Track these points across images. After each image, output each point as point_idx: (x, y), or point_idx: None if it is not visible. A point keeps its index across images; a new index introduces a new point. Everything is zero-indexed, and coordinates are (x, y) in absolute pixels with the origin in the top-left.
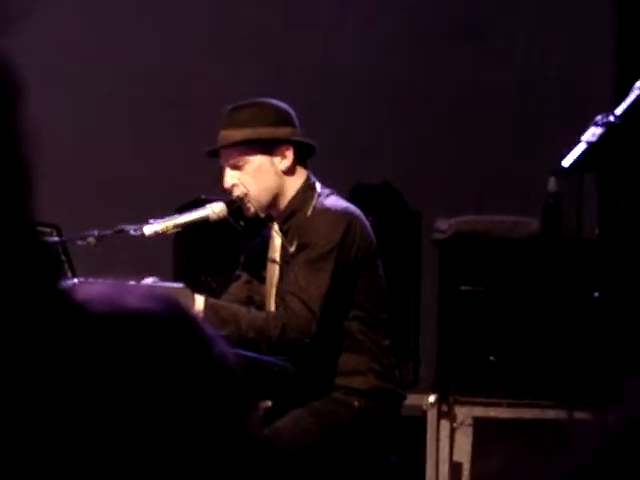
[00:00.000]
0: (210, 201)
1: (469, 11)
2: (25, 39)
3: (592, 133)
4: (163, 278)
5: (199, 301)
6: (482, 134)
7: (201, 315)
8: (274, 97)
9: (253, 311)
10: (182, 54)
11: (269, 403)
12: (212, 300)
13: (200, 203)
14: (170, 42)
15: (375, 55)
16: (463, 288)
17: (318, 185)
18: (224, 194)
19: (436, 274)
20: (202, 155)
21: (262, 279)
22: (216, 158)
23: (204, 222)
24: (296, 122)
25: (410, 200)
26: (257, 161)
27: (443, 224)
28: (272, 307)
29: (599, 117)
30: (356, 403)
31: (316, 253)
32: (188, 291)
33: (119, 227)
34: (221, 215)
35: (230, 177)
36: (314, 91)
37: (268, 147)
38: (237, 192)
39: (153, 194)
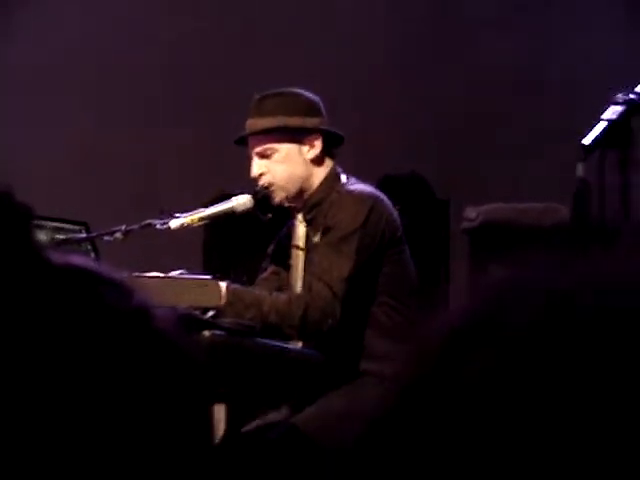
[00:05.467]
0: (235, 195)
1: None
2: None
3: (612, 111)
4: (192, 272)
5: (222, 287)
6: (509, 122)
7: (224, 302)
8: (299, 87)
9: (275, 294)
10: (207, 45)
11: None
12: (234, 286)
13: (226, 197)
14: (195, 34)
15: (402, 43)
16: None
17: (344, 176)
18: (249, 189)
19: (465, 262)
20: (228, 149)
21: (288, 267)
22: (242, 152)
23: (230, 214)
24: (324, 112)
25: (438, 189)
26: (285, 149)
27: (472, 212)
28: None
29: (620, 95)
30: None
31: (339, 235)
32: (215, 283)
33: (146, 222)
34: (247, 207)
35: (258, 166)
36: (340, 80)
37: (297, 136)
38: (264, 181)
39: (180, 190)
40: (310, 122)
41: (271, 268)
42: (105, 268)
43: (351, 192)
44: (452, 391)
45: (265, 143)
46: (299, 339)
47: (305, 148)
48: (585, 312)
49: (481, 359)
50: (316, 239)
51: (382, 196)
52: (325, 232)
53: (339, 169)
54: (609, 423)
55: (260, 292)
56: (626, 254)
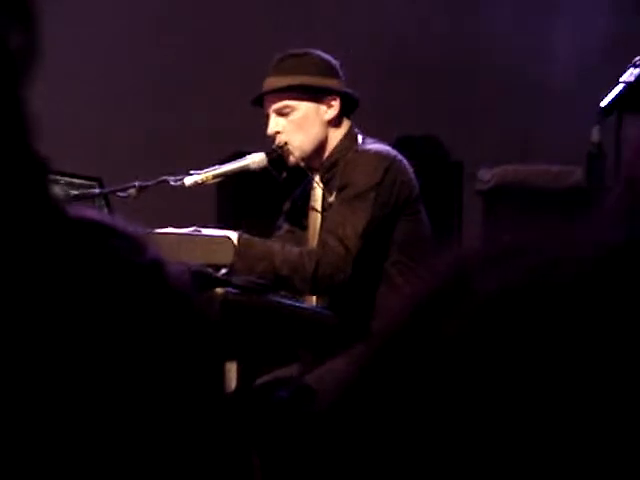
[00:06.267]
0: (250, 153)
1: None
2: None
3: (630, 73)
4: (205, 226)
5: (233, 236)
6: (523, 84)
7: (236, 256)
8: (317, 48)
9: (287, 248)
10: (216, 5)
11: (306, 350)
12: (246, 236)
13: (240, 155)
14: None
15: (419, 9)
16: (506, 238)
17: (360, 137)
18: (264, 147)
19: (479, 224)
20: (244, 107)
21: (304, 228)
22: (259, 111)
23: (244, 172)
24: (341, 74)
25: (452, 151)
26: (304, 108)
27: (486, 174)
28: None
29: (638, 58)
30: None
31: (354, 192)
32: (226, 239)
33: (160, 178)
34: (261, 165)
35: (275, 124)
36: (357, 44)
37: (315, 95)
38: (280, 139)
39: (195, 147)
40: (328, 82)
41: (286, 226)
42: (119, 222)
43: (368, 151)
44: (430, 348)
45: (284, 100)
46: (310, 293)
47: (323, 108)
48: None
49: (457, 319)
50: (332, 199)
51: (399, 156)
52: (340, 189)
53: (356, 130)
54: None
55: (272, 243)
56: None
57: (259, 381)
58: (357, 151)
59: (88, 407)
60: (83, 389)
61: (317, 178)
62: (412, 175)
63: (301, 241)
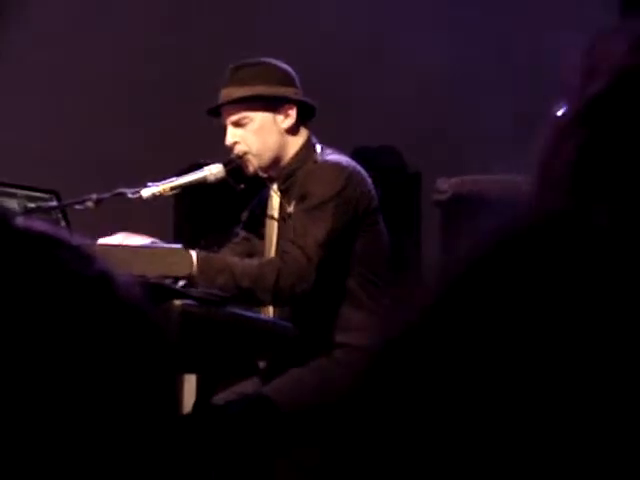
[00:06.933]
0: (208, 165)
1: None
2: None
3: None
4: (162, 240)
5: (192, 255)
6: (482, 94)
7: (195, 269)
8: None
9: (247, 260)
10: (180, 21)
11: (265, 363)
12: (204, 253)
13: (198, 167)
14: (170, 8)
15: (378, 19)
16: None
17: (319, 146)
18: (223, 158)
19: (437, 236)
20: (201, 120)
21: (261, 236)
22: (216, 122)
23: (202, 184)
24: (298, 83)
25: (410, 161)
26: (260, 118)
27: (443, 184)
28: None
29: None
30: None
31: (314, 202)
32: (186, 252)
33: (117, 190)
34: (219, 176)
35: (232, 135)
36: (312, 52)
37: (271, 105)
38: (238, 150)
39: (152, 161)
40: (285, 92)
41: (243, 234)
42: (67, 234)
43: (327, 162)
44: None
45: (240, 112)
46: (273, 304)
47: (280, 117)
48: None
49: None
50: (290, 209)
51: (358, 167)
52: (300, 200)
53: (314, 139)
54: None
55: (231, 258)
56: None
57: (218, 396)
58: (316, 162)
59: (30, 425)
60: (26, 404)
61: (275, 187)
62: (371, 186)
63: (257, 249)
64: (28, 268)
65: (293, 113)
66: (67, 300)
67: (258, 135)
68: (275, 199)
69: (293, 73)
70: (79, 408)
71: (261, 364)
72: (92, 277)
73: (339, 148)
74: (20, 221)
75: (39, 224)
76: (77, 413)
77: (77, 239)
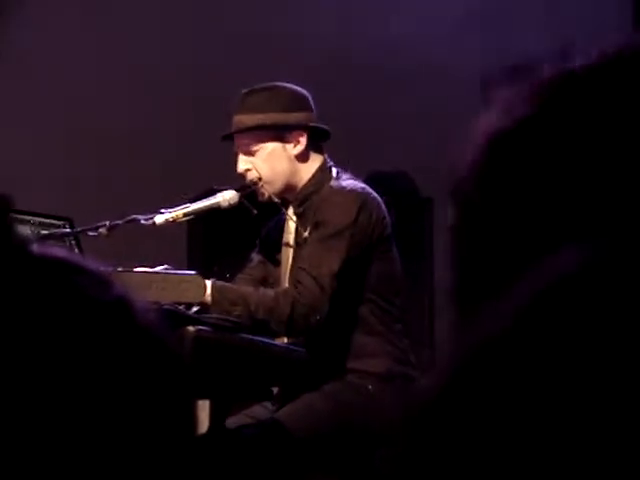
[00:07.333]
0: (222, 190)
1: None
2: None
3: None
4: (176, 267)
5: (207, 285)
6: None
7: (210, 300)
8: (288, 82)
9: (262, 290)
10: (194, 45)
11: (278, 388)
12: (220, 283)
13: (212, 193)
14: (185, 31)
15: (388, 40)
16: None
17: (334, 169)
18: (237, 183)
19: (450, 260)
20: (215, 144)
21: (277, 262)
22: (230, 144)
23: (215, 210)
24: (312, 106)
25: (422, 187)
26: (270, 147)
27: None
28: None
29: None
30: (370, 386)
31: (329, 231)
32: (199, 278)
33: (130, 217)
34: (232, 202)
35: (243, 162)
36: (327, 77)
37: (280, 133)
38: (250, 177)
39: (166, 186)
40: (294, 118)
41: (258, 258)
42: (84, 260)
43: (342, 188)
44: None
45: (249, 140)
46: (287, 335)
47: (290, 145)
48: None
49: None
50: (306, 234)
51: (373, 193)
52: (315, 227)
53: (330, 162)
54: None
55: (246, 288)
56: None
57: (231, 419)
58: (332, 187)
59: (48, 450)
60: (45, 429)
61: (290, 211)
62: (385, 213)
63: (273, 275)
64: (47, 294)
65: (303, 139)
66: (86, 325)
67: (268, 163)
68: (291, 224)
69: (306, 95)
70: (99, 433)
71: (274, 389)
72: (110, 303)
73: (352, 172)
74: (37, 248)
75: (56, 250)
76: (97, 438)
77: (94, 265)
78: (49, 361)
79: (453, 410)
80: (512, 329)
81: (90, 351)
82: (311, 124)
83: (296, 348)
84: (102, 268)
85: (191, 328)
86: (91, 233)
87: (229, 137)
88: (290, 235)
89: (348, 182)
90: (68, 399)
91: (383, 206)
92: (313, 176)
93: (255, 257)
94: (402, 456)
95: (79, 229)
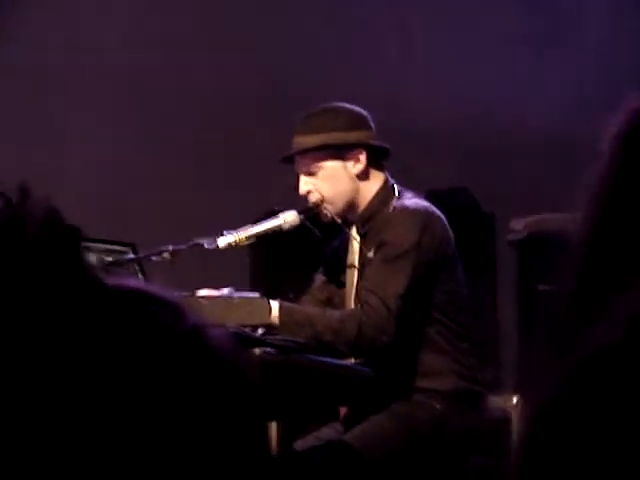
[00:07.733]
0: (283, 211)
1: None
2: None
3: None
4: (240, 289)
5: (274, 307)
6: (559, 136)
7: (277, 321)
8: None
9: (328, 312)
10: (249, 64)
11: (347, 409)
12: (287, 304)
13: (273, 214)
14: (234, 51)
15: (446, 57)
16: (541, 288)
17: (397, 188)
18: (298, 204)
19: (512, 276)
20: (275, 166)
21: (341, 283)
22: (287, 169)
23: (277, 232)
24: (371, 125)
25: (484, 202)
26: (330, 167)
27: (518, 224)
28: None
29: None
30: (438, 405)
31: (394, 252)
32: (264, 300)
33: (193, 241)
34: (294, 224)
35: (305, 183)
36: (388, 89)
37: (340, 152)
38: (313, 198)
39: (228, 208)
40: (353, 137)
41: (322, 278)
42: (157, 289)
43: (406, 208)
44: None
45: (309, 161)
46: (354, 356)
47: (350, 164)
48: None
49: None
50: (370, 254)
51: (437, 212)
52: (379, 248)
53: (392, 181)
54: None
55: (312, 309)
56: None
57: (299, 442)
58: (395, 207)
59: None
60: (129, 454)
61: (354, 232)
62: (450, 232)
63: (338, 296)
64: (126, 326)
65: (363, 158)
66: (165, 355)
67: (330, 183)
68: (355, 244)
69: (365, 115)
70: (179, 458)
71: (342, 410)
72: (186, 332)
73: (412, 190)
74: (111, 278)
75: (130, 280)
76: (178, 463)
77: (167, 293)
78: (132, 392)
79: (581, 406)
80: (624, 339)
81: (170, 380)
82: (369, 142)
83: (361, 368)
84: (174, 295)
85: (257, 350)
86: (154, 258)
87: (289, 159)
88: (354, 256)
89: (411, 201)
90: (150, 427)
91: (447, 225)
92: (376, 195)
93: (319, 278)
94: (534, 451)
95: (142, 255)
